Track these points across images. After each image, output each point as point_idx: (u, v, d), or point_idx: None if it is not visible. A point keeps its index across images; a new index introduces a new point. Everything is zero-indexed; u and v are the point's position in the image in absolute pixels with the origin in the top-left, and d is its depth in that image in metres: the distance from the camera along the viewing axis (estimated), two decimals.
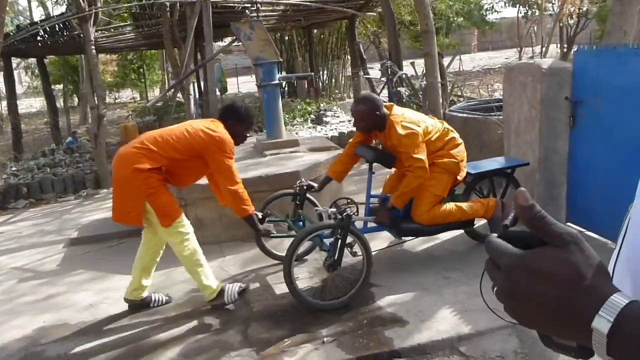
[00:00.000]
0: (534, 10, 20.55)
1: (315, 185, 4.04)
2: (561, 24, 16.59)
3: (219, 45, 13.52)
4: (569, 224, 4.43)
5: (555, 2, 18.33)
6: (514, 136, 4.58)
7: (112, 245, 5.13)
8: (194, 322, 3.47)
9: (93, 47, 7.44)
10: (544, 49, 15.99)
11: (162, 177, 3.41)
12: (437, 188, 3.75)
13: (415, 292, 3.56)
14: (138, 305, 3.69)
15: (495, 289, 0.60)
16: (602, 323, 0.52)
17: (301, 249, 4.14)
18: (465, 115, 6.30)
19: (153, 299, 3.75)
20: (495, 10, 22.60)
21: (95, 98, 7.84)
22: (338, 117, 11.07)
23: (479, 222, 4.20)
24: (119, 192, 3.46)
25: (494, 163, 4.33)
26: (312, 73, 7.03)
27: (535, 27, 22.46)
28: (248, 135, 3.83)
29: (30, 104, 23.26)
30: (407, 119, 3.67)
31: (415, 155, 3.56)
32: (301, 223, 4.01)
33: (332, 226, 3.48)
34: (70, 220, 6.31)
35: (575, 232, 0.57)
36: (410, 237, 4.06)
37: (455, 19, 19.78)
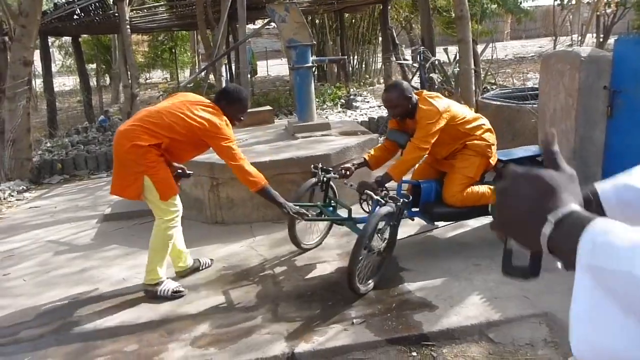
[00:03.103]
0: None
1: (350, 166, 3.93)
2: (598, 13, 16.16)
3: (250, 27, 13.53)
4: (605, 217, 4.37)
5: None
6: (549, 125, 4.51)
7: (143, 222, 5.22)
8: (224, 299, 3.53)
9: (128, 26, 7.52)
10: (580, 38, 15.61)
11: (160, 153, 3.48)
12: (470, 170, 3.77)
13: (445, 277, 3.56)
14: (190, 273, 3.90)
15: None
16: (547, 226, 0.70)
17: (315, 235, 4.19)
18: (498, 103, 6.22)
19: (201, 262, 3.99)
20: None
21: (129, 77, 7.93)
22: (368, 102, 11.03)
23: None
24: (119, 167, 3.56)
25: (525, 151, 4.28)
26: (345, 57, 6.97)
27: (572, 16, 21.92)
28: (242, 118, 3.82)
29: (63, 83, 23.64)
30: (434, 99, 3.73)
31: (425, 131, 3.60)
32: (331, 208, 3.99)
33: (395, 212, 3.42)
34: (103, 196, 6.44)
35: (574, 172, 0.76)
36: (442, 224, 4.05)
37: (489, 5, 19.42)
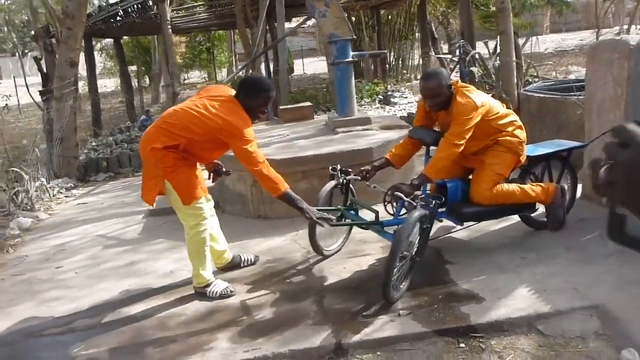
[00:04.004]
0: None
1: (369, 168, 3.80)
2: None
3: (287, 26, 13.62)
4: None
5: None
6: (596, 116, 4.40)
7: None
8: (269, 291, 3.57)
9: (169, 26, 7.67)
10: (624, 29, 15.15)
11: (179, 156, 3.37)
12: (500, 167, 3.61)
13: (491, 270, 3.52)
14: (229, 268, 3.91)
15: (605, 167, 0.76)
16: None
17: (336, 240, 3.98)
18: (542, 95, 6.10)
19: (242, 258, 3.98)
20: None
21: (170, 76, 8.09)
22: (406, 97, 10.97)
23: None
24: (144, 171, 3.54)
25: (552, 145, 4.18)
26: (386, 51, 6.94)
27: (614, 7, 21.27)
28: (264, 112, 3.58)
29: (105, 84, 24.24)
30: (471, 92, 3.57)
31: (461, 127, 3.42)
32: (353, 212, 3.81)
33: (428, 214, 3.27)
34: None
35: None
36: (470, 224, 3.88)
37: None
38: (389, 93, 11.24)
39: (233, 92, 3.53)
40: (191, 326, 3.24)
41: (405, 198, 3.29)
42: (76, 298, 3.77)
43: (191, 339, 3.08)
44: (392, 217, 3.54)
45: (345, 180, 3.80)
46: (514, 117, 3.77)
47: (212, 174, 3.88)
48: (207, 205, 3.62)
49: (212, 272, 3.69)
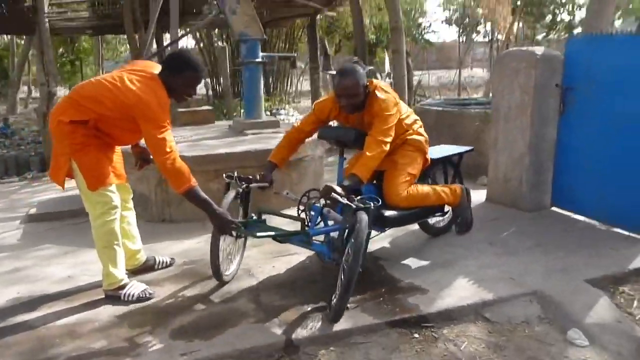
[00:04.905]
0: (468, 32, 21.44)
1: (258, 179, 3.38)
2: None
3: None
4: (553, 208, 4.54)
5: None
6: (503, 123, 4.64)
7: (77, 223, 4.72)
8: (196, 292, 3.21)
9: (47, 19, 6.95)
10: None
11: (90, 133, 2.98)
12: (412, 167, 3.45)
13: (425, 266, 3.49)
14: (142, 270, 3.45)
15: None
16: None
17: (234, 263, 3.40)
18: (439, 108, 6.37)
19: (157, 260, 3.56)
20: (434, 31, 23.40)
21: (46, 74, 7.31)
22: (293, 115, 10.96)
23: None
24: (54, 147, 3.08)
25: (449, 148, 4.21)
26: (295, 54, 6.84)
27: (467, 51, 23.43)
28: (191, 93, 3.17)
29: None
30: (385, 88, 3.37)
31: (386, 123, 3.20)
32: (258, 224, 3.31)
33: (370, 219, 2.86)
34: (20, 199, 5.82)
35: None
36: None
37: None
38: (274, 111, 11.18)
39: (153, 68, 3.13)
40: (109, 332, 2.78)
41: (343, 201, 2.89)
42: None
43: (113, 346, 2.64)
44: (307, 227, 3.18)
45: (246, 189, 3.34)
46: (415, 116, 3.68)
47: (138, 161, 3.44)
48: (119, 194, 3.16)
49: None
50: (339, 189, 2.96)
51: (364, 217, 2.78)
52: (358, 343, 2.66)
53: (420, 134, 3.57)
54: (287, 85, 13.99)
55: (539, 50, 4.41)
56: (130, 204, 3.42)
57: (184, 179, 2.93)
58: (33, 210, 5.00)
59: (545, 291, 3.06)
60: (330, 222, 3.20)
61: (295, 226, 3.25)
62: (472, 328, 2.84)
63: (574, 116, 4.29)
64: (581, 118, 4.24)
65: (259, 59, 5.34)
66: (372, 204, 2.84)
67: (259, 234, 3.07)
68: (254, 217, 3.36)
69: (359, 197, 2.93)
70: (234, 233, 3.11)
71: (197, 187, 2.98)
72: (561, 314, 2.91)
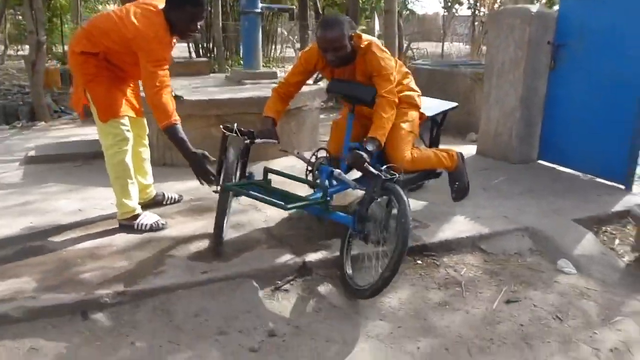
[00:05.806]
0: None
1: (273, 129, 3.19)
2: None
3: None
4: (540, 161, 4.77)
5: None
6: (496, 78, 4.82)
7: (77, 165, 4.79)
8: (208, 223, 3.33)
9: None
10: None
11: (102, 65, 3.03)
12: (410, 125, 3.29)
13: (423, 207, 3.66)
14: (151, 204, 3.55)
15: None
16: None
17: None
18: (431, 67, 6.52)
19: (166, 196, 3.66)
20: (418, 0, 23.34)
21: (34, 22, 7.21)
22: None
23: None
24: (74, 77, 3.19)
25: (436, 103, 4.12)
26: (293, 7, 6.83)
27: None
28: (196, 28, 3.08)
29: None
30: (380, 44, 3.18)
31: (391, 82, 3.08)
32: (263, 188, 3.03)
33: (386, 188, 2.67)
34: (14, 145, 5.81)
35: None
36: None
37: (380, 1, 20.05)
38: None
39: (159, 2, 3.10)
40: (129, 254, 2.92)
41: (374, 171, 2.70)
42: None
43: (134, 266, 2.78)
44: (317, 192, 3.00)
45: (249, 144, 3.12)
46: (406, 69, 3.54)
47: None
48: (134, 129, 3.25)
49: None
50: (367, 157, 2.83)
51: (400, 190, 2.59)
52: (367, 267, 2.84)
53: (412, 89, 3.43)
54: (272, 50, 13.91)
55: (533, 7, 4.57)
56: (146, 140, 3.51)
57: (167, 114, 2.93)
58: (32, 153, 5.03)
59: (536, 227, 3.29)
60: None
61: (303, 189, 3.19)
62: (469, 257, 3.06)
63: (564, 72, 4.48)
64: (570, 74, 4.44)
65: (259, 10, 5.39)
66: (397, 175, 2.70)
67: (289, 205, 2.73)
68: (252, 175, 3.17)
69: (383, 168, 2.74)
70: (213, 187, 2.98)
71: (179, 125, 2.97)
72: (551, 247, 3.14)
